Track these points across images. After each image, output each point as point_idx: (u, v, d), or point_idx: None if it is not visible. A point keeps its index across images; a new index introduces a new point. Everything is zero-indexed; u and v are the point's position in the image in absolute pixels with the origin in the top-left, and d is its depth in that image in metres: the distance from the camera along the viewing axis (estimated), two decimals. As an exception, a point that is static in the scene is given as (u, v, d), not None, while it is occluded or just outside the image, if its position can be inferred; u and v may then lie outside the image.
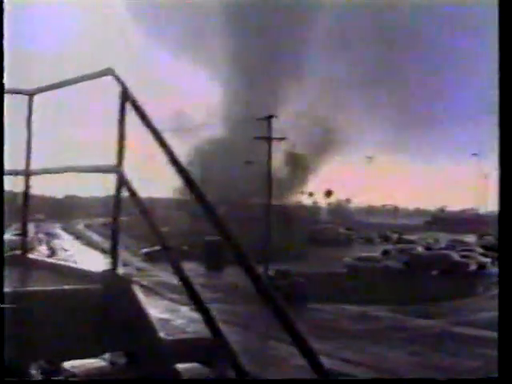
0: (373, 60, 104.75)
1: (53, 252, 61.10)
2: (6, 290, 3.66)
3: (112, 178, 4.18)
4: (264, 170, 51.22)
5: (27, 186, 5.48)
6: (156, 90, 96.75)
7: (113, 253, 4.26)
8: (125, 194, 4.12)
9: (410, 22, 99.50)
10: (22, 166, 5.39)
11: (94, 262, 43.63)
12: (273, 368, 21.96)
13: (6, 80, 3.69)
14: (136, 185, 4.07)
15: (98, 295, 4.03)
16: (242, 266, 3.05)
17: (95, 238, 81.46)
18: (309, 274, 44.48)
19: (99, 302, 3.99)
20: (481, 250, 58.15)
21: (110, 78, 4.25)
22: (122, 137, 4.23)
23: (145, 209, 3.98)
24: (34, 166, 5.41)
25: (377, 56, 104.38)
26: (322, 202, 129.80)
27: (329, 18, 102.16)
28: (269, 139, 50.30)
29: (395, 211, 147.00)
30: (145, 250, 58.49)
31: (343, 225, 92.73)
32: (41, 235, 77.99)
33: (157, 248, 45.23)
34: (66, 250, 65.53)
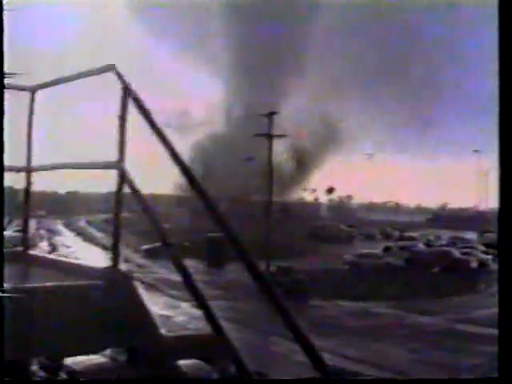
0: (374, 57, 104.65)
1: (54, 248, 61.09)
2: (8, 286, 3.66)
3: (113, 175, 4.18)
4: (265, 167, 51.23)
5: (28, 183, 5.48)
6: (157, 88, 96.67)
7: (114, 249, 4.27)
8: (126, 190, 4.12)
9: (410, 21, 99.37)
10: (23, 163, 5.39)
11: (96, 258, 43.64)
12: (274, 364, 21.99)
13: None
14: (137, 181, 4.08)
15: (99, 291, 4.03)
16: (244, 263, 3.05)
17: (96, 234, 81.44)
18: (310, 270, 44.51)
19: (100, 298, 3.99)
20: (482, 247, 58.12)
21: (111, 74, 4.25)
22: (123, 133, 4.23)
23: (146, 205, 3.98)
24: (35, 163, 5.41)
25: (378, 53, 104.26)
26: (324, 198, 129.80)
27: (330, 16, 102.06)
28: (270, 136, 50.29)
29: (396, 208, 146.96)
30: (145, 247, 58.50)
31: (344, 222, 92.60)
32: (42, 232, 77.95)
33: (158, 244, 45.20)
34: (67, 247, 65.52)
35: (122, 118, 4.22)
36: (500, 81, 2.99)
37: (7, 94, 3.73)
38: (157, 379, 4.07)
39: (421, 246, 63.45)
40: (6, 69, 3.63)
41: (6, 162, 3.79)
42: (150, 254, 55.62)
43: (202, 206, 3.30)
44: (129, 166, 4.18)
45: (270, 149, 49.93)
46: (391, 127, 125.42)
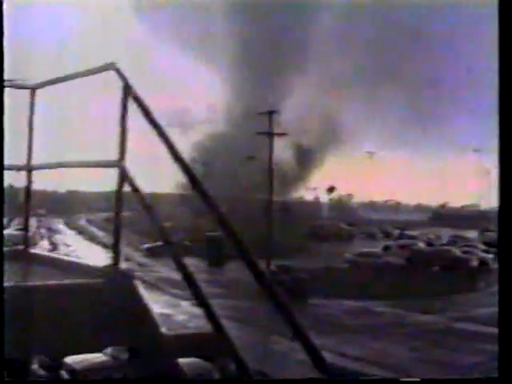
0: (375, 56, 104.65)
1: (55, 247, 61.12)
2: (8, 284, 3.66)
3: (114, 173, 4.18)
4: (266, 166, 51.21)
5: (29, 181, 5.48)
6: (157, 86, 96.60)
7: (115, 248, 4.27)
8: (127, 189, 4.12)
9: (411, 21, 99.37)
10: (23, 161, 5.39)
11: (96, 257, 43.66)
12: (274, 363, 22.00)
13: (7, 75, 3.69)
14: (138, 180, 4.08)
15: (99, 290, 4.04)
16: (244, 262, 3.05)
17: (97, 233, 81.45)
18: (310, 269, 44.50)
19: (101, 296, 3.99)
20: (482, 246, 58.10)
21: (112, 72, 4.25)
22: (123, 132, 4.23)
23: (147, 204, 3.99)
24: (35, 161, 5.41)
25: (379, 52, 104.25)
26: (324, 197, 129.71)
27: (331, 14, 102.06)
28: (270, 134, 50.29)
29: (397, 207, 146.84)
30: (146, 246, 58.49)
31: (345, 220, 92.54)
32: (42, 230, 78.00)
33: (158, 243, 45.24)
34: (67, 245, 65.53)
35: (123, 117, 4.22)
36: (500, 80, 3.00)
37: (8, 93, 3.74)
38: (157, 379, 4.07)
39: (421, 244, 63.41)
40: (6, 68, 3.64)
41: (7, 160, 3.79)
42: (151, 253, 55.62)
43: (203, 204, 3.30)
44: (129, 164, 4.18)
45: (270, 147, 49.92)
46: (392, 126, 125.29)
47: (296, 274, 39.76)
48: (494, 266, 47.29)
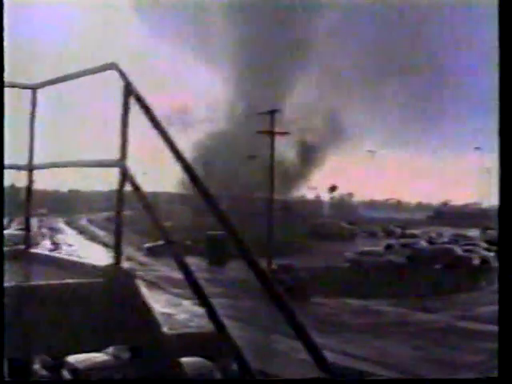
0: (377, 55, 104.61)
1: (56, 247, 61.15)
2: (10, 284, 3.67)
3: (115, 173, 4.18)
4: (267, 165, 51.19)
5: (30, 181, 5.48)
6: (158, 85, 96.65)
7: (116, 247, 4.27)
8: (128, 188, 4.12)
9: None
10: (24, 161, 5.39)
11: (98, 256, 43.68)
12: (276, 362, 22.00)
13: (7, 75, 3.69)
14: (139, 179, 4.08)
15: (101, 289, 4.04)
16: (246, 261, 3.05)
17: (98, 232, 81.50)
18: (312, 268, 44.49)
19: (102, 296, 3.99)
20: (484, 245, 58.09)
21: (113, 72, 4.25)
22: (124, 131, 4.23)
23: (148, 203, 3.99)
24: (36, 161, 5.41)
25: (381, 52, 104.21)
26: (325, 196, 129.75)
27: (333, 14, 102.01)
28: (272, 133, 50.26)
29: (398, 205, 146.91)
30: (147, 245, 58.54)
31: (346, 219, 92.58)
32: (44, 230, 78.02)
33: (160, 243, 45.26)
34: (69, 245, 65.56)
35: (124, 116, 4.22)
36: (500, 79, 3.00)
37: (9, 93, 3.74)
38: (158, 379, 4.08)
39: (423, 243, 63.44)
40: (6, 68, 3.64)
41: (8, 160, 3.79)
42: (152, 252, 55.65)
43: (204, 203, 3.30)
44: (130, 164, 4.18)
45: (271, 146, 49.87)
46: (393, 125, 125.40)
47: (297, 273, 39.74)
48: (496, 264, 47.28)
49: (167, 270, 43.97)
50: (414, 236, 75.11)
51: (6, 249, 4.33)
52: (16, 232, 24.15)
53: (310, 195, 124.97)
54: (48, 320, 3.79)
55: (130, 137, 4.24)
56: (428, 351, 25.30)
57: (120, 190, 4.17)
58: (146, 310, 4.06)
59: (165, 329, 4.24)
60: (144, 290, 4.16)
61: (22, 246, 5.51)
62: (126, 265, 4.31)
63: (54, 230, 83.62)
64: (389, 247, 59.57)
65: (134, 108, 4.07)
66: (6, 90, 3.72)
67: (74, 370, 15.51)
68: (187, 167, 3.51)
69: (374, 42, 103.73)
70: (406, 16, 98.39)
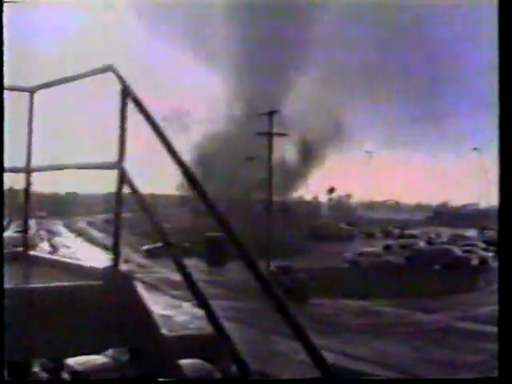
0: (376, 55, 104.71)
1: (54, 249, 61.09)
2: (8, 286, 3.66)
3: (113, 175, 4.18)
4: (265, 166, 51.20)
5: (28, 183, 5.48)
6: (157, 87, 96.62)
7: (114, 249, 4.27)
8: (126, 190, 4.12)
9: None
10: (22, 163, 5.39)
11: (96, 258, 43.65)
12: (275, 363, 22.00)
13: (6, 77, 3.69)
14: (137, 181, 4.07)
15: (99, 292, 4.03)
16: (244, 262, 3.05)
17: (97, 234, 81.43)
18: (310, 269, 44.49)
19: (101, 298, 3.99)
20: (482, 245, 58.11)
21: (110, 74, 4.25)
22: (123, 133, 4.23)
23: (146, 205, 3.99)
24: (34, 163, 5.40)
25: (380, 51, 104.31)
26: (324, 197, 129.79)
27: (332, 14, 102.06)
28: (270, 135, 50.27)
29: (397, 206, 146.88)
30: (146, 247, 58.52)
31: (344, 220, 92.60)
32: (42, 232, 77.88)
33: (158, 245, 45.25)
34: (67, 247, 65.52)
35: (122, 118, 4.22)
36: (500, 79, 3.00)
37: (7, 96, 3.73)
38: (157, 379, 4.07)
39: (421, 243, 63.49)
40: (5, 70, 3.64)
41: (6, 163, 3.79)
42: (151, 254, 55.63)
43: (203, 205, 3.30)
44: (129, 166, 4.18)
45: (270, 148, 49.90)
46: (391, 125, 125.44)
47: (296, 275, 39.73)
48: (494, 264, 47.30)
49: (166, 271, 43.95)
50: (412, 236, 75.11)
51: (4, 251, 4.33)
52: (15, 234, 24.11)
53: (308, 196, 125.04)
54: (46, 322, 3.79)
55: (128, 139, 4.24)
56: (427, 351, 25.30)
57: (118, 193, 4.17)
58: (144, 312, 4.06)
59: (164, 331, 4.23)
60: (143, 292, 4.16)
61: (21, 249, 5.51)
62: (124, 267, 4.30)
63: (53, 233, 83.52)
64: (387, 248, 59.59)
65: (132, 110, 4.07)
66: (5, 93, 3.71)
67: (73, 372, 15.53)
68: (185, 169, 3.51)
69: (374, 41, 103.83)
70: (407, 15, 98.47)
